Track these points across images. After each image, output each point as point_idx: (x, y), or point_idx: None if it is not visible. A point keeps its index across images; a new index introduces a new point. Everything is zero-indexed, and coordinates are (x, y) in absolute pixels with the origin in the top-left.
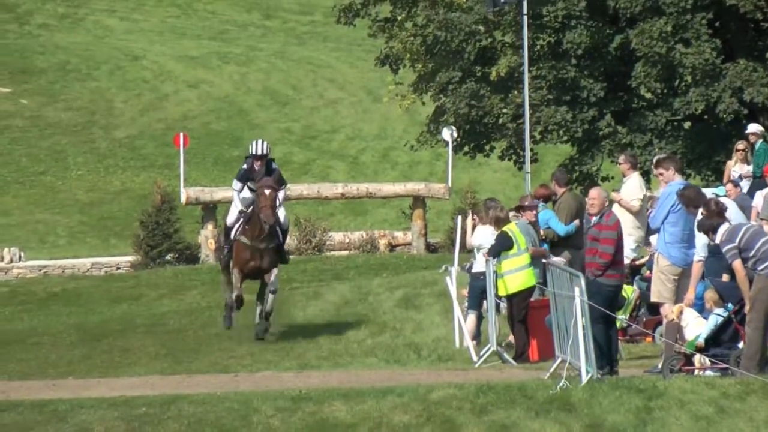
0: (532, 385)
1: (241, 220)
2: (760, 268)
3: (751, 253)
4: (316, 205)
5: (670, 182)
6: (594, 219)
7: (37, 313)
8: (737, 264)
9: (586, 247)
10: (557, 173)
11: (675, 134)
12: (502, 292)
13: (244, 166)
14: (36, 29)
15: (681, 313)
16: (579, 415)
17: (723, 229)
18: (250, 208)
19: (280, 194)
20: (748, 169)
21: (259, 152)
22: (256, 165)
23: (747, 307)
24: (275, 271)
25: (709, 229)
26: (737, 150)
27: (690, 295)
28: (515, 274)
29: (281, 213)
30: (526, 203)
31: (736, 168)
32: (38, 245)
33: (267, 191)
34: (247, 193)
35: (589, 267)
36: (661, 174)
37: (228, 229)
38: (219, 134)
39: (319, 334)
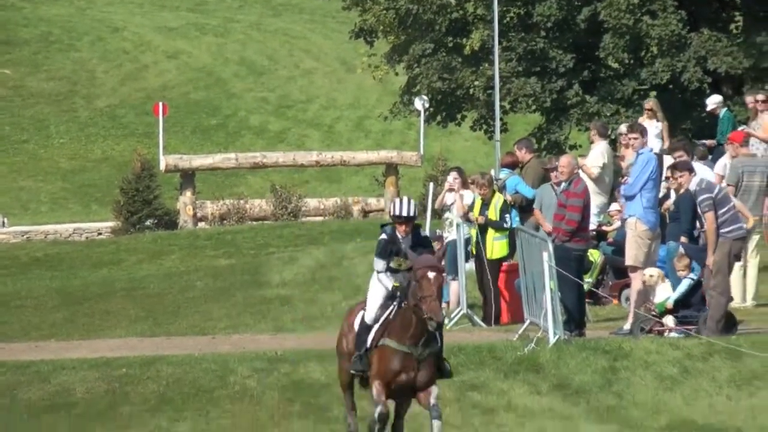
0: (501, 346)
1: (385, 315)
2: (726, 229)
3: (722, 211)
4: (291, 172)
5: (643, 149)
6: (563, 185)
7: (20, 278)
8: (711, 215)
9: (554, 213)
10: (523, 141)
11: (641, 103)
12: (489, 255)
13: (383, 236)
14: (19, 1)
15: (653, 276)
16: (546, 376)
17: (697, 179)
18: (396, 300)
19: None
20: (657, 125)
21: (405, 213)
22: (400, 232)
23: (712, 268)
24: (435, 389)
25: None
26: (646, 109)
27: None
28: (497, 242)
29: None
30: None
31: (645, 124)
32: (21, 212)
33: (431, 275)
34: (389, 282)
35: (557, 232)
36: (636, 139)
37: (364, 329)
38: (197, 103)
39: (294, 298)
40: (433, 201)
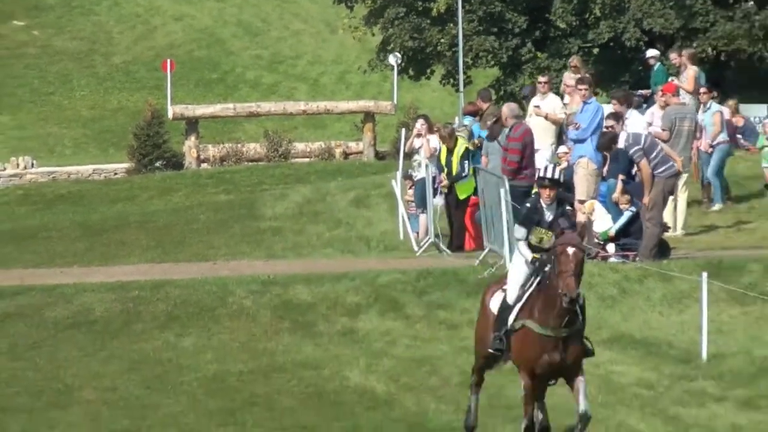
0: (464, 270)
1: (527, 294)
2: (659, 170)
3: (652, 156)
4: (282, 120)
5: (591, 99)
6: (504, 131)
7: (46, 212)
8: (644, 162)
9: (501, 157)
10: (482, 92)
11: (586, 59)
12: (462, 195)
13: (528, 204)
14: None
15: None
16: None
17: (624, 136)
18: (538, 278)
19: None
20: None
21: (549, 175)
22: (544, 198)
23: (647, 204)
24: (582, 379)
25: (612, 142)
26: (571, 66)
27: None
28: (463, 185)
29: None
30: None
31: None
32: (48, 155)
33: (571, 250)
34: (528, 253)
35: (503, 173)
36: (586, 89)
37: (505, 309)
38: (200, 60)
39: (284, 229)
40: (405, 145)
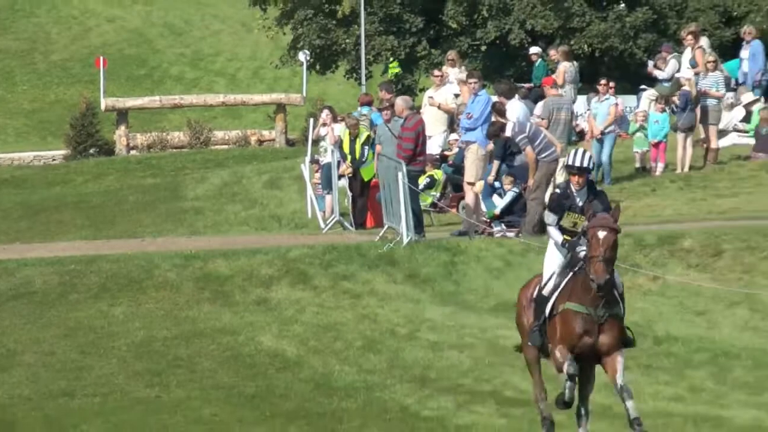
0: (366, 245)
1: (564, 283)
2: (542, 155)
3: (536, 143)
4: (203, 110)
5: (481, 91)
6: (398, 122)
7: None
8: (529, 149)
9: (396, 144)
10: (384, 84)
11: (475, 55)
12: (366, 177)
13: (557, 191)
14: None
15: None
16: (401, 268)
17: (510, 125)
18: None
19: None
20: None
21: (577, 163)
22: (574, 184)
23: (532, 186)
24: (620, 359)
25: (500, 131)
26: (448, 59)
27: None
28: (366, 169)
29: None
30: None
31: (449, 70)
32: None
33: (602, 233)
34: (558, 236)
35: (399, 158)
36: (475, 83)
37: (542, 300)
38: (130, 57)
39: (205, 209)
40: (312, 133)
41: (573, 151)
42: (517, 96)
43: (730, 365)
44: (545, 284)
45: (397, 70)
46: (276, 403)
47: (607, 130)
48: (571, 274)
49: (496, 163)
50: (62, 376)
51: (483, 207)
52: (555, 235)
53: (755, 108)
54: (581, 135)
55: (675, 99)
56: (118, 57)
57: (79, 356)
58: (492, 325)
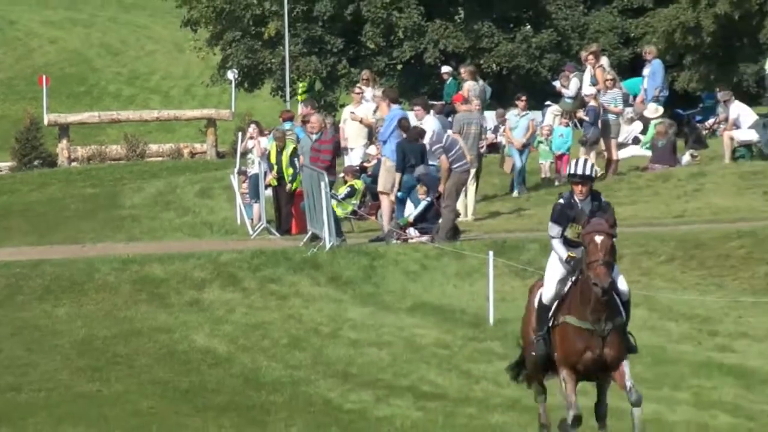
0: (291, 250)
1: (566, 290)
2: (455, 166)
3: (450, 154)
4: (139, 125)
5: (393, 107)
6: (315, 136)
7: None
8: (443, 158)
9: (310, 156)
10: (308, 101)
11: (392, 74)
12: (295, 186)
13: (561, 201)
14: None
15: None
16: (324, 271)
17: (428, 135)
18: (576, 273)
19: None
20: (372, 90)
21: (579, 172)
22: (577, 193)
23: (444, 195)
24: (627, 368)
25: (419, 135)
26: (363, 78)
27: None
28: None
29: (617, 275)
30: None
31: (365, 88)
32: None
33: (599, 238)
34: (563, 251)
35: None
36: (387, 101)
37: (543, 309)
38: (71, 76)
39: (141, 216)
40: (240, 146)
41: (574, 160)
42: (432, 111)
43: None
44: (546, 292)
45: (303, 95)
46: (208, 396)
47: (525, 142)
48: (570, 283)
49: (397, 175)
50: (9, 372)
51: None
52: (559, 249)
53: (653, 122)
54: (493, 147)
55: (581, 114)
56: (60, 75)
57: (25, 353)
58: (409, 324)
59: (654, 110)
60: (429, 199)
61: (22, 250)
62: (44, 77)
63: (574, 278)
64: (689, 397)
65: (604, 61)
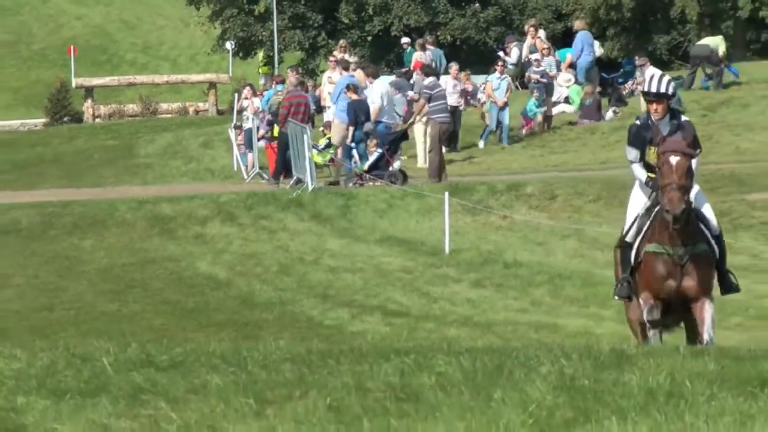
0: (279, 192)
1: (647, 224)
2: (434, 116)
3: (434, 103)
4: (151, 88)
5: (343, 74)
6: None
7: None
8: (423, 101)
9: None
10: (293, 67)
11: (363, 44)
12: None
13: (637, 122)
14: None
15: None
16: (307, 210)
17: (428, 80)
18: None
19: (694, 163)
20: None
21: (653, 89)
22: (653, 113)
23: (429, 144)
24: (708, 307)
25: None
26: (340, 47)
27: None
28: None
29: (703, 203)
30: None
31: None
32: None
33: (674, 159)
34: (642, 173)
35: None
36: (339, 68)
37: (627, 248)
38: (94, 47)
39: (154, 164)
40: (237, 104)
41: (649, 77)
42: (381, 76)
43: (563, 284)
44: (628, 230)
45: (266, 68)
46: (210, 315)
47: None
48: (654, 212)
49: (350, 129)
50: (44, 294)
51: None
52: (638, 172)
53: (570, 85)
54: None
55: (536, 76)
56: (85, 46)
57: (56, 279)
58: (378, 254)
59: (566, 79)
60: (380, 150)
61: (54, 192)
62: (72, 48)
63: (657, 207)
64: (613, 313)
65: (542, 33)
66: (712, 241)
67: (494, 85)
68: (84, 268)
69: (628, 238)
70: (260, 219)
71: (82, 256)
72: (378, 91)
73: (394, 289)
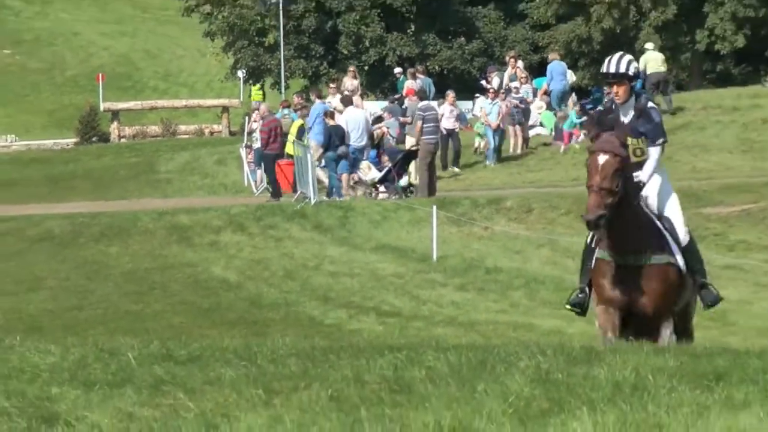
0: (285, 205)
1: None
2: (425, 137)
3: (426, 125)
4: (171, 111)
5: (317, 102)
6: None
7: (24, 169)
8: (419, 123)
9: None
10: (298, 93)
11: (360, 73)
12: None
13: (600, 108)
14: (18, 16)
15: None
16: (310, 220)
17: (421, 104)
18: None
19: (656, 153)
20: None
21: (612, 69)
22: (615, 96)
23: (419, 162)
24: (667, 331)
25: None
26: (349, 71)
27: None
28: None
29: (668, 204)
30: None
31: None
32: (25, 133)
33: (601, 158)
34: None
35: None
36: (315, 96)
37: (588, 254)
38: (120, 74)
39: (173, 179)
40: (247, 126)
41: (608, 58)
42: (353, 105)
43: (538, 288)
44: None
45: (259, 95)
46: (223, 314)
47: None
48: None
49: (320, 150)
50: (74, 295)
51: (322, 177)
52: None
53: (542, 111)
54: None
55: (516, 102)
56: (112, 74)
57: (85, 281)
58: (373, 260)
59: (538, 107)
60: (389, 164)
61: (84, 204)
62: (100, 75)
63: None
64: None
65: (520, 63)
66: (675, 252)
67: (487, 110)
68: (110, 272)
69: (589, 240)
70: (268, 229)
71: (109, 261)
72: (348, 116)
73: (387, 292)
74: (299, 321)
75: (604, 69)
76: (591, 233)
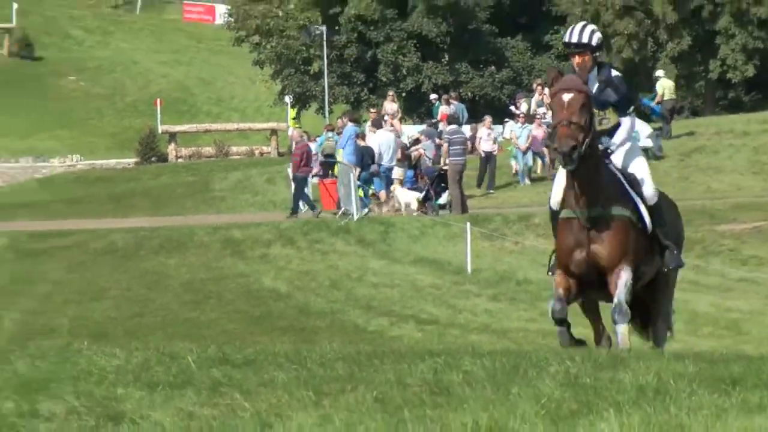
0: (330, 221)
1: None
2: (452, 158)
3: (453, 147)
4: (224, 133)
5: (349, 125)
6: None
7: (90, 187)
8: (446, 146)
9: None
10: (348, 113)
11: (398, 99)
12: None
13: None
14: (81, 45)
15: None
16: (354, 235)
17: (451, 128)
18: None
19: (626, 123)
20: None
21: (574, 39)
22: (576, 64)
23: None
24: (623, 274)
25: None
26: (389, 95)
27: None
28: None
29: (635, 161)
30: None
31: (386, 105)
32: (89, 154)
33: (566, 96)
34: None
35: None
36: (347, 119)
37: (552, 217)
38: (177, 99)
39: (226, 197)
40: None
41: (570, 27)
42: (384, 127)
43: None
44: (553, 194)
45: (293, 122)
46: (274, 322)
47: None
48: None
49: (357, 170)
50: (136, 304)
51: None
52: None
53: None
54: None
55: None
56: (169, 99)
57: (146, 291)
58: (412, 272)
59: None
60: (427, 185)
61: (144, 220)
62: (158, 100)
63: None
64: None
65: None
66: (641, 208)
67: (517, 134)
68: (169, 282)
69: (552, 204)
70: (314, 243)
71: (168, 272)
72: (379, 139)
73: (425, 302)
74: (344, 328)
75: (566, 38)
76: (554, 194)
